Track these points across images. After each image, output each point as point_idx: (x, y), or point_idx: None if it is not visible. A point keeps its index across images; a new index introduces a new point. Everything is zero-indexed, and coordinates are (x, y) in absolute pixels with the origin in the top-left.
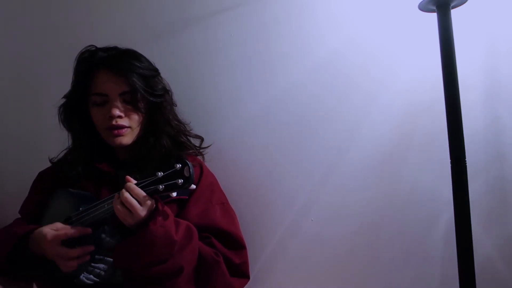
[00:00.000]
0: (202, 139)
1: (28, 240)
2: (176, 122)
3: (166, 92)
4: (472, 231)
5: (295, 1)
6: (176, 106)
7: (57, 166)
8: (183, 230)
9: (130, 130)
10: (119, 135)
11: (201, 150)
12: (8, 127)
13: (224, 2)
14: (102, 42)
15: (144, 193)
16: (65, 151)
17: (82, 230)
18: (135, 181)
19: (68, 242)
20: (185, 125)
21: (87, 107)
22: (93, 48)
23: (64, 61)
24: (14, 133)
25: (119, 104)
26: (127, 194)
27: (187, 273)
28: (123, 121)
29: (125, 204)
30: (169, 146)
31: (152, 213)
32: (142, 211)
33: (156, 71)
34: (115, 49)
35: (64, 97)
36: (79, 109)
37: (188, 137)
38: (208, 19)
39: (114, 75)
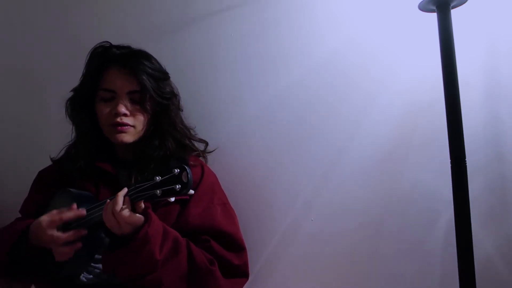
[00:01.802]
0: (206, 144)
1: (28, 233)
2: (181, 126)
3: (174, 95)
4: (472, 231)
5: (295, 1)
6: (182, 110)
7: (58, 163)
8: (169, 246)
9: (133, 129)
10: (122, 132)
11: (205, 154)
12: (8, 127)
13: (224, 2)
14: (103, 40)
15: (127, 214)
16: (66, 148)
17: (77, 213)
18: (132, 186)
19: (64, 229)
20: (190, 129)
21: (94, 102)
22: (107, 44)
23: (66, 60)
24: (14, 132)
25: (126, 102)
26: (117, 208)
27: (168, 285)
28: (128, 120)
29: (115, 217)
30: (173, 149)
31: (140, 228)
32: (128, 228)
33: (166, 74)
34: (128, 48)
35: (73, 90)
36: (86, 103)
37: (193, 141)
38: (208, 18)
39: (125, 73)
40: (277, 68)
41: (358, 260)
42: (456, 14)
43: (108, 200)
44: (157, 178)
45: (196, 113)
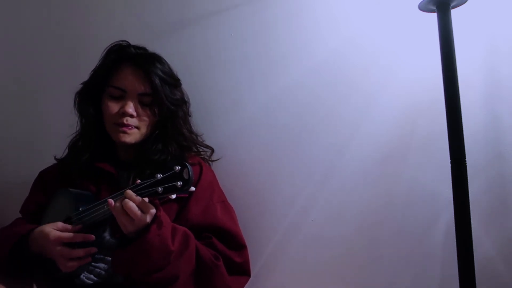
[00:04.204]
0: (212, 150)
1: (28, 239)
2: (188, 133)
3: (183, 102)
4: (472, 231)
5: (295, 1)
6: (191, 116)
7: (62, 162)
8: (180, 238)
9: (136, 131)
10: (125, 132)
11: (209, 162)
12: (8, 127)
13: (224, 2)
14: (101, 41)
15: (145, 200)
16: (71, 141)
17: (86, 237)
18: (134, 183)
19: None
20: (197, 136)
21: (101, 97)
22: (125, 43)
23: (65, 60)
24: (14, 133)
25: (135, 103)
26: (130, 204)
27: (183, 279)
28: (133, 121)
29: (128, 213)
30: (176, 153)
31: (151, 221)
32: (144, 219)
33: (178, 81)
34: (144, 49)
35: (83, 83)
36: (95, 97)
37: (199, 148)
38: (208, 19)
39: (138, 74)
40: (276, 68)
41: (358, 259)
42: (456, 14)
43: (112, 202)
44: (158, 175)
45: (195, 112)
